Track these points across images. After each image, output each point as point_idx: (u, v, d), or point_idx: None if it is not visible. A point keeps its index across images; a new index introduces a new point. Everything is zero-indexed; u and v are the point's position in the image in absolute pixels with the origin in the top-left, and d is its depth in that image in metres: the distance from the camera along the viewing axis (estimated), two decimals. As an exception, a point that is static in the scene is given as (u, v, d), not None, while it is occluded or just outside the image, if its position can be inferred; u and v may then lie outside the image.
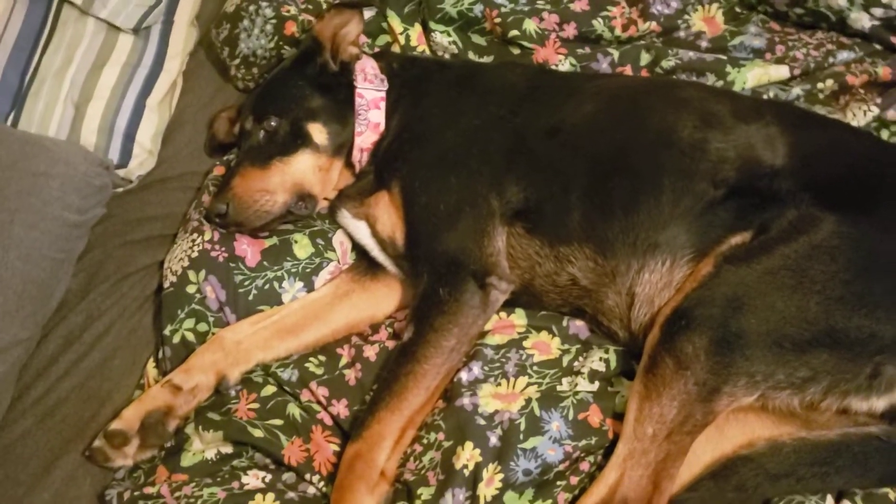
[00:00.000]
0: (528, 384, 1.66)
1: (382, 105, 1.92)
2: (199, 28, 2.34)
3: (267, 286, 1.85)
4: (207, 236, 1.87)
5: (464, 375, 1.66)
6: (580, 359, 1.70)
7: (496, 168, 1.76)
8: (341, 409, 1.71)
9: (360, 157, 1.92)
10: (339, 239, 1.94)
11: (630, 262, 1.66)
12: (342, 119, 1.91)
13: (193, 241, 1.87)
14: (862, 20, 1.93)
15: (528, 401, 1.62)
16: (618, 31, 2.08)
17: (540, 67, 2.06)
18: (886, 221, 1.54)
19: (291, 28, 2.09)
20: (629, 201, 1.67)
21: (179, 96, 2.25)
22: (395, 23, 2.16)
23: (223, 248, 1.85)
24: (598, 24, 2.08)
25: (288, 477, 1.65)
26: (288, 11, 2.11)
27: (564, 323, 1.76)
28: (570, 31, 2.08)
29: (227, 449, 1.68)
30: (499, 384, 1.66)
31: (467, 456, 1.54)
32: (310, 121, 1.89)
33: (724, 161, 1.65)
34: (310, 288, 1.88)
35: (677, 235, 1.63)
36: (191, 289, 1.83)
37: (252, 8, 2.12)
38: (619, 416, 1.60)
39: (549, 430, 1.58)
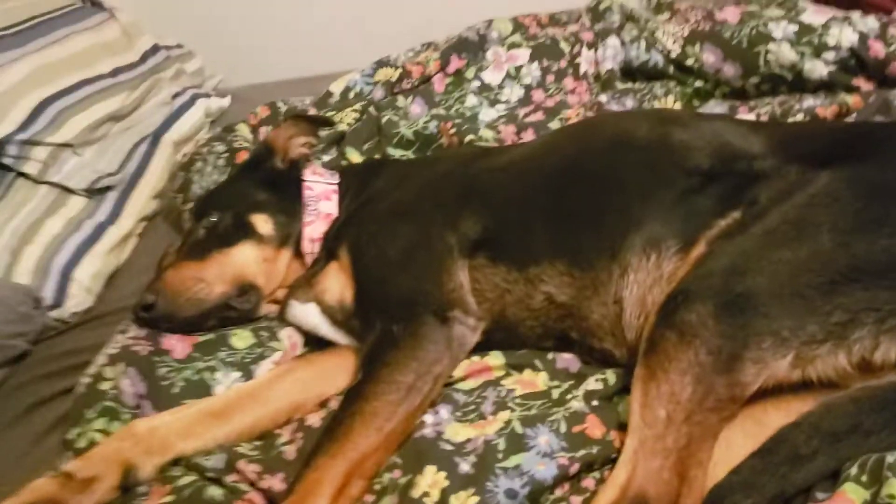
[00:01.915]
0: (511, 419, 1.30)
1: (334, 197, 1.80)
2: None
3: (196, 377, 1.55)
4: (132, 333, 1.62)
5: (428, 418, 1.32)
6: (573, 392, 1.36)
7: (448, 209, 1.58)
8: (275, 483, 1.33)
9: (311, 247, 1.74)
10: (287, 333, 1.68)
11: (610, 269, 1.41)
12: (289, 211, 1.77)
13: (115, 341, 1.61)
14: (817, 69, 1.86)
15: (508, 422, 1.26)
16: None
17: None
18: (883, 161, 1.33)
19: (243, 156, 2.04)
20: (594, 206, 1.47)
21: (132, 251, 2.13)
22: (355, 157, 2.11)
23: (148, 342, 1.60)
24: (555, 126, 2.03)
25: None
26: (240, 144, 2.08)
27: (550, 357, 1.44)
28: (529, 135, 2.03)
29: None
30: (471, 423, 1.31)
31: (428, 482, 1.16)
32: (254, 212, 1.75)
33: (691, 149, 1.47)
34: (248, 378, 1.58)
35: (656, 230, 1.40)
36: (104, 385, 1.53)
37: (205, 150, 2.10)
38: (624, 428, 1.23)
39: (536, 445, 1.21)
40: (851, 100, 1.78)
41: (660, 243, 1.39)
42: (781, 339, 1.15)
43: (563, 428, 1.23)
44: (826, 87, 1.88)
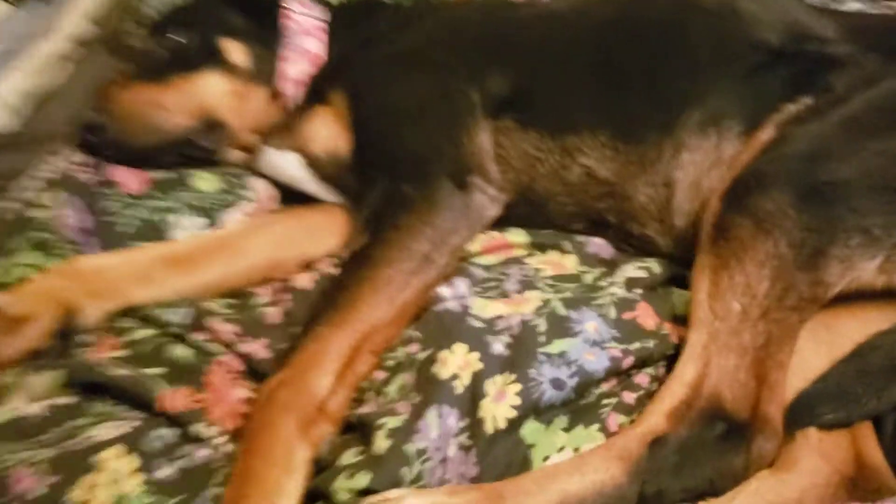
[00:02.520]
0: (539, 296, 1.12)
1: (321, 36, 1.52)
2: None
3: (154, 217, 1.30)
4: (76, 158, 1.34)
5: (446, 291, 1.12)
6: (608, 279, 1.19)
7: (472, 60, 1.35)
8: (258, 348, 1.11)
9: (291, 89, 1.47)
10: (261, 184, 1.44)
11: (662, 145, 1.23)
12: (268, 42, 1.48)
13: (52, 165, 1.33)
14: None
15: (546, 301, 1.08)
16: None
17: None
18: None
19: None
20: (648, 70, 1.27)
21: (67, 78, 1.80)
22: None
23: (95, 171, 1.33)
24: None
25: (165, 435, 1.00)
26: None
27: (580, 239, 1.26)
28: None
29: (67, 399, 1.04)
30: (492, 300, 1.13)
31: (459, 362, 0.98)
32: (225, 36, 1.47)
33: (761, 22, 1.29)
34: (215, 227, 1.34)
35: (718, 105, 1.22)
36: (39, 214, 1.26)
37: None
38: (681, 321, 1.08)
39: (583, 332, 1.04)
40: (903, 6, 1.63)
41: (721, 121, 1.21)
42: (872, 238, 1.01)
43: (611, 314, 1.06)
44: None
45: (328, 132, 1.35)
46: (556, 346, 1.01)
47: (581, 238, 1.26)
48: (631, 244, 1.26)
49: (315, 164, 1.37)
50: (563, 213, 1.28)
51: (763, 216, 1.02)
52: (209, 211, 1.34)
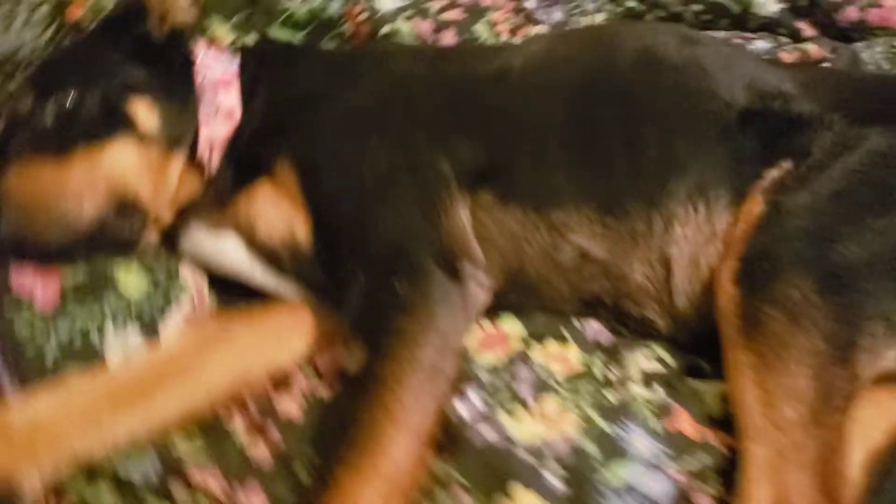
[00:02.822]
0: (563, 403, 1.03)
1: (235, 86, 1.32)
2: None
3: (77, 340, 1.07)
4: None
5: (461, 409, 1.00)
6: (614, 370, 1.11)
7: (433, 126, 1.21)
8: (253, 499, 0.94)
9: (209, 156, 1.26)
10: (188, 273, 1.23)
11: (651, 217, 1.15)
12: (179, 99, 1.26)
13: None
14: (768, 5, 1.74)
15: (587, 418, 0.99)
16: (505, 37, 1.71)
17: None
18: None
19: (76, 13, 1.45)
20: (624, 137, 1.19)
21: None
22: (223, 31, 1.61)
23: (-5, 282, 1.07)
24: (481, 28, 1.70)
25: None
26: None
27: (576, 324, 1.18)
28: (450, 37, 1.68)
29: None
30: (513, 413, 1.02)
31: (524, 509, 0.86)
32: (131, 94, 1.23)
33: (725, 80, 1.22)
34: (152, 339, 1.13)
35: (702, 174, 1.16)
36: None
37: (9, -8, 1.47)
38: (717, 423, 1.02)
39: (635, 452, 0.96)
40: (812, 48, 1.67)
41: (708, 192, 1.16)
42: (892, 324, 1.00)
43: (652, 424, 0.99)
44: (768, 27, 1.76)
45: (278, 213, 1.17)
46: (615, 475, 0.92)
47: (576, 322, 1.17)
48: (628, 326, 1.19)
49: (261, 250, 1.19)
50: (557, 298, 1.18)
51: (792, 307, 0.98)
52: (142, 320, 1.12)
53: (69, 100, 1.18)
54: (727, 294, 1.05)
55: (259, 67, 1.34)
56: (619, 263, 1.16)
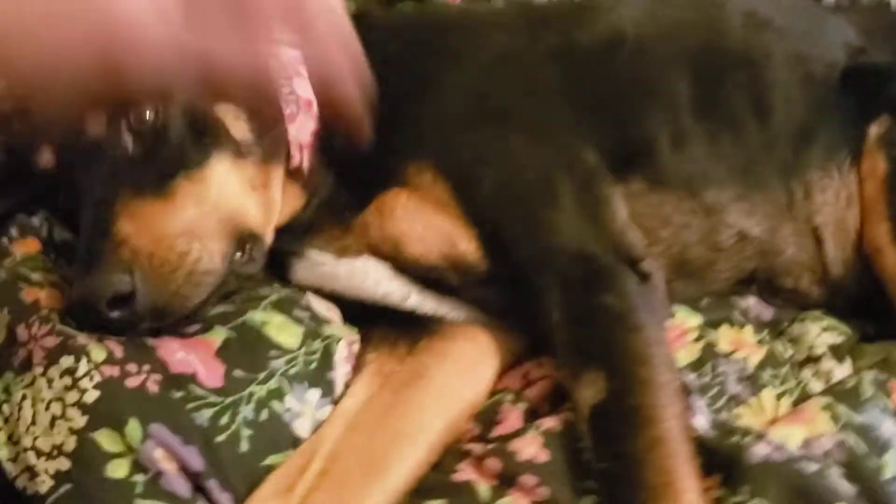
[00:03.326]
0: (780, 396, 1.02)
1: (304, 71, 1.12)
2: None
3: (264, 415, 0.89)
4: (99, 355, 0.85)
5: (697, 422, 0.95)
6: (789, 350, 1.11)
7: (562, 107, 1.12)
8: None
9: (300, 159, 1.08)
10: (322, 305, 1.06)
11: (792, 188, 1.15)
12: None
13: (70, 374, 0.83)
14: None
15: (829, 407, 0.98)
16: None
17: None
18: None
19: None
20: (753, 105, 1.16)
21: None
22: None
23: (146, 367, 0.86)
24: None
25: None
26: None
27: (742, 304, 1.15)
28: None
29: None
30: (745, 413, 1.00)
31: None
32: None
33: (821, 37, 1.25)
34: (333, 395, 0.97)
35: (828, 136, 1.18)
36: (116, 470, 0.79)
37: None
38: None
39: (890, 439, 0.97)
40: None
41: (835, 153, 1.18)
42: None
43: (884, 403, 1.00)
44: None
45: (430, 228, 1.02)
46: (891, 468, 0.92)
47: (740, 302, 1.15)
48: (781, 298, 1.19)
49: (414, 271, 1.04)
50: (719, 280, 1.15)
51: None
52: (313, 376, 0.96)
53: (147, 118, 0.95)
54: (891, 256, 1.08)
55: None
56: (772, 239, 1.15)
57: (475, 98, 1.10)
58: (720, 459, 0.91)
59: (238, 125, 1.01)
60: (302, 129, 1.07)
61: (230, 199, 0.98)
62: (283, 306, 1.00)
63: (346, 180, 1.08)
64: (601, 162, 1.09)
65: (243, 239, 0.98)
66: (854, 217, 1.16)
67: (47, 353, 0.85)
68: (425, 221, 1.03)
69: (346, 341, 1.01)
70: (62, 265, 0.99)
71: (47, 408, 0.82)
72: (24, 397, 0.84)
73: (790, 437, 0.93)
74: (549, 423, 0.94)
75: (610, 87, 1.15)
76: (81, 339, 0.86)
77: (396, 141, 1.04)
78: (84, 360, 0.84)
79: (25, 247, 1.00)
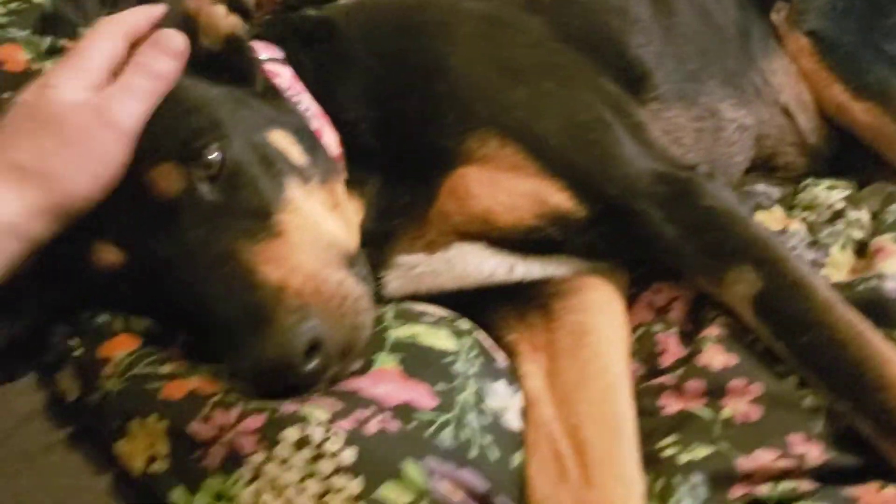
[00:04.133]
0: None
1: (301, 83, 1.04)
2: None
3: (487, 419, 0.82)
4: (322, 414, 0.72)
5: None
6: (808, 212, 1.22)
7: (558, 50, 1.13)
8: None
9: (341, 169, 1.00)
10: (420, 305, 0.98)
11: (752, 77, 1.29)
12: (290, 115, 0.97)
13: (305, 444, 0.70)
14: None
15: (891, 238, 1.08)
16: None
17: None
18: None
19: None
20: (696, 8, 1.29)
21: None
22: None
23: (373, 409, 0.75)
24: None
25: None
26: None
27: (760, 190, 1.24)
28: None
29: None
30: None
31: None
32: (267, 129, 0.91)
33: None
34: (512, 382, 0.91)
35: (755, 26, 1.34)
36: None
37: None
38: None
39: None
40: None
41: (767, 40, 1.34)
42: None
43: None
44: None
45: (515, 192, 0.98)
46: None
47: (757, 189, 1.24)
48: (775, 175, 1.30)
49: (512, 239, 1.00)
50: (737, 173, 1.24)
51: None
52: (488, 371, 0.89)
53: (215, 160, 0.83)
54: (855, 108, 1.24)
55: (309, 53, 1.07)
56: (760, 125, 1.27)
57: (490, 63, 1.07)
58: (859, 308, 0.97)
59: (294, 150, 0.91)
60: (329, 140, 1.00)
61: (322, 223, 0.88)
62: (407, 316, 0.92)
63: (397, 179, 1.01)
64: (620, 88, 1.12)
65: (351, 259, 0.88)
66: (806, 90, 1.31)
67: (259, 435, 0.71)
68: (508, 188, 0.99)
69: (481, 333, 0.95)
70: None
71: (301, 490, 0.68)
72: (257, 493, 0.69)
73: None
74: (714, 331, 0.96)
75: (589, 23, 1.18)
76: (287, 407, 0.73)
77: (438, 124, 1.00)
78: (314, 425, 0.71)
79: (119, 346, 0.81)
